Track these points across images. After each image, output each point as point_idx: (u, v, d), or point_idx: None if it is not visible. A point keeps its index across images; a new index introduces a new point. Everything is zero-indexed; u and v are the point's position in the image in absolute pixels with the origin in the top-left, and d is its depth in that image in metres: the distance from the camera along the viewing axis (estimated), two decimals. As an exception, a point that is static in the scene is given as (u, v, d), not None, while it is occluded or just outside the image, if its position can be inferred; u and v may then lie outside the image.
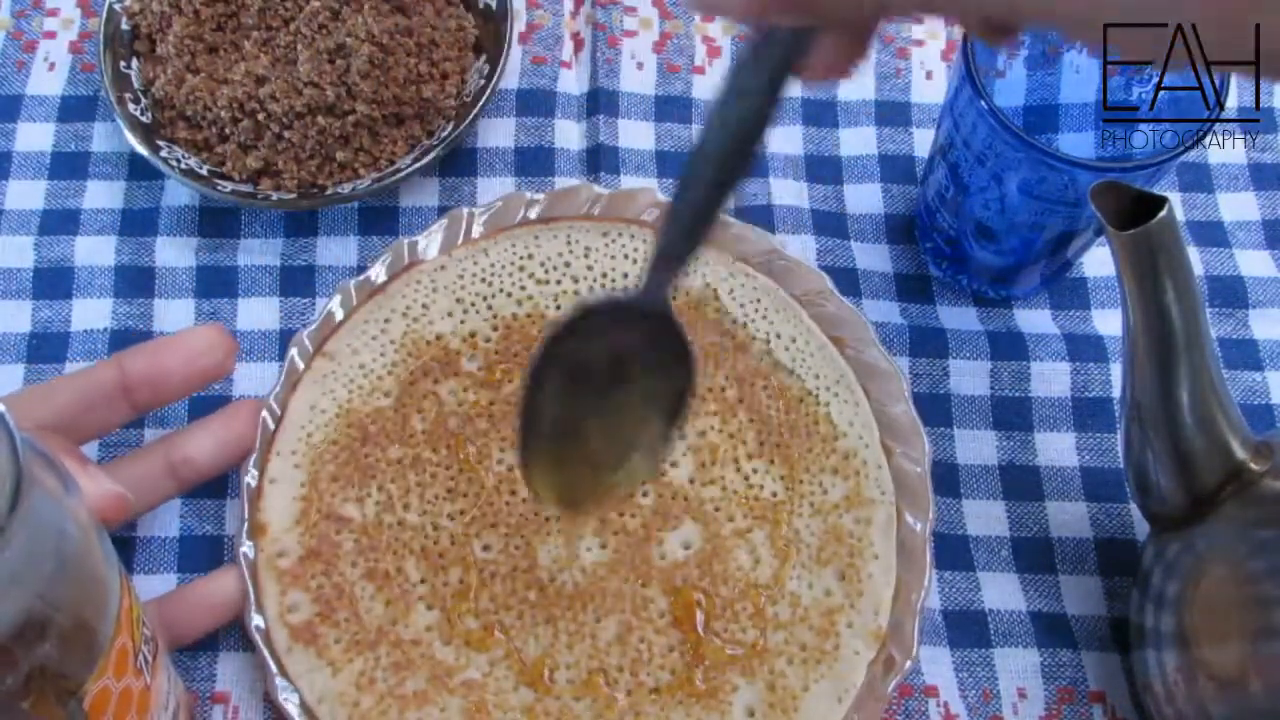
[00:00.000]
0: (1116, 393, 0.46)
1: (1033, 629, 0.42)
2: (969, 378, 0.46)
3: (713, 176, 0.31)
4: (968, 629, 0.42)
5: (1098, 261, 0.48)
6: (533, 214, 0.47)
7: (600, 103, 0.51)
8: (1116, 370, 0.46)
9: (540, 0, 0.54)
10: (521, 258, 0.46)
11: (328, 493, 0.41)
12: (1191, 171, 0.51)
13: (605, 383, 0.35)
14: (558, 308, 0.45)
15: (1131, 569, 0.42)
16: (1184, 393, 0.36)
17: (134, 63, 0.49)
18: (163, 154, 0.47)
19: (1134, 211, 0.35)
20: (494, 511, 0.41)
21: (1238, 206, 0.50)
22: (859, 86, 0.52)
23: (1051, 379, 0.46)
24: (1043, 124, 0.48)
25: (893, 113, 0.52)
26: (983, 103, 0.38)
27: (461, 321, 0.45)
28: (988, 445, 0.45)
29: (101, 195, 0.49)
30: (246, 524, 0.41)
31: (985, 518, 0.44)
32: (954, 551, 0.43)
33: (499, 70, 0.49)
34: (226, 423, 0.41)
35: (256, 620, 0.40)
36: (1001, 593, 0.43)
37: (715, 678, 0.39)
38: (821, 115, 0.52)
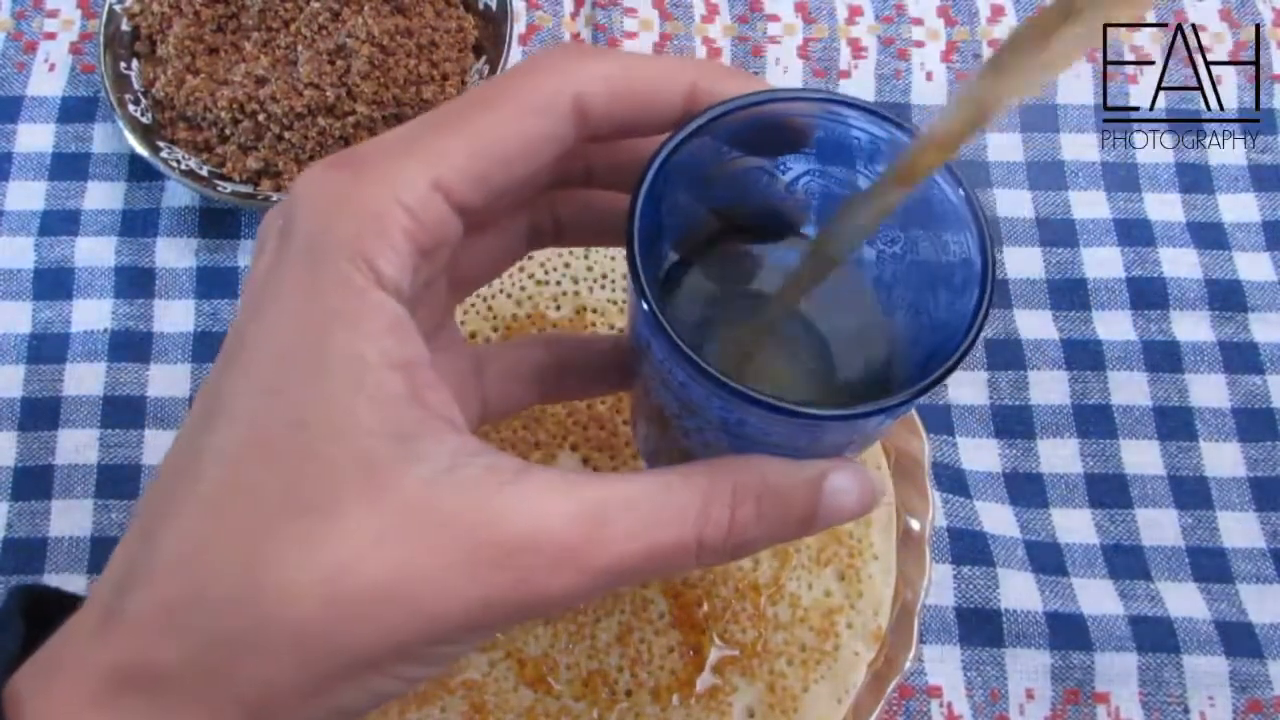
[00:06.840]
0: (1115, 399, 0.46)
1: (1048, 630, 0.42)
2: (968, 387, 0.46)
3: None
4: (980, 628, 0.42)
5: (1098, 262, 0.48)
6: (533, 215, 0.47)
7: (600, 104, 0.51)
8: (1116, 376, 0.47)
9: (540, 1, 0.54)
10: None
11: (327, 493, 0.41)
12: (1191, 172, 0.51)
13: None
14: (557, 308, 0.45)
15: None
16: None
17: (134, 64, 0.49)
18: (163, 155, 0.47)
19: None
20: (494, 512, 0.41)
21: (1238, 207, 0.50)
22: (859, 87, 0.52)
23: (1051, 386, 0.46)
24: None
25: (893, 113, 0.52)
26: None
27: (461, 322, 0.45)
28: (990, 453, 0.45)
29: (101, 196, 0.49)
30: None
31: (997, 519, 0.44)
32: (972, 548, 0.43)
33: (499, 71, 0.49)
34: None
35: (256, 621, 0.40)
36: (1019, 593, 0.43)
37: (715, 678, 0.39)
38: (821, 116, 0.52)
